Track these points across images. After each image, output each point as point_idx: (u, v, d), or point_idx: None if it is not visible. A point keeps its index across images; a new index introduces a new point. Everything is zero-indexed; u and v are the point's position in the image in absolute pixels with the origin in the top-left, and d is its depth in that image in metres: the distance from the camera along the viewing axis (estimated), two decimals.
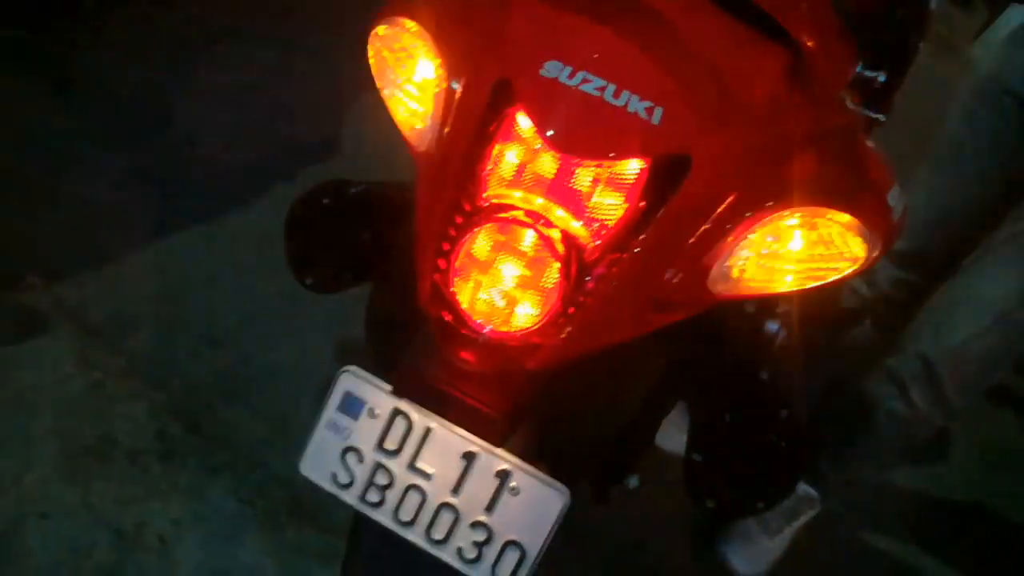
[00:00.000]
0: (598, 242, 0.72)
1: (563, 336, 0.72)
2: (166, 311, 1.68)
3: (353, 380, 0.86)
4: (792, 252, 0.81)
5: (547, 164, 0.72)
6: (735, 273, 0.80)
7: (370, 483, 0.86)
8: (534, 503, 0.82)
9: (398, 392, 0.81)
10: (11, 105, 1.94)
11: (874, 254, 0.82)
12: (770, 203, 0.78)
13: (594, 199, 0.71)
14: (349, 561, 0.92)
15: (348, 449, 0.86)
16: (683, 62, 0.73)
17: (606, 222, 0.72)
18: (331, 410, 0.87)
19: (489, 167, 0.74)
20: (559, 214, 0.72)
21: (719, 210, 0.76)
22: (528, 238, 0.71)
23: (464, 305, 0.72)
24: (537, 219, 0.71)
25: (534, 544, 0.82)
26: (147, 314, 1.66)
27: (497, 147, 0.73)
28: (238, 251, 1.82)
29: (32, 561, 1.22)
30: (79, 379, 1.48)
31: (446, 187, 0.74)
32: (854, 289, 1.98)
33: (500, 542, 0.83)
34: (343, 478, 0.87)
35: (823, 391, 1.91)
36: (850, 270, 0.83)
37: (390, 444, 0.85)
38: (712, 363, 0.94)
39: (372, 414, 0.86)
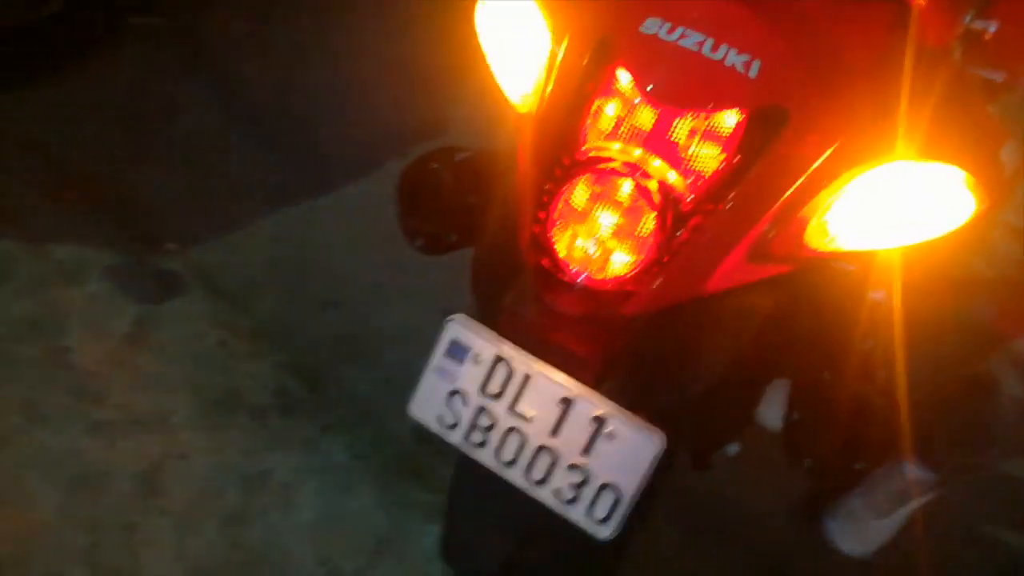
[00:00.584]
0: (694, 193, 0.74)
1: (657, 284, 0.75)
2: (286, 277, 1.79)
3: (459, 328, 0.91)
4: (893, 207, 0.81)
5: (645, 117, 0.75)
6: (834, 228, 0.81)
7: (473, 425, 0.91)
8: (629, 448, 0.85)
9: (502, 336, 0.85)
10: (148, 86, 2.09)
11: (981, 208, 0.81)
12: (872, 156, 0.78)
13: (691, 151, 0.74)
14: (453, 502, 0.98)
15: (453, 392, 0.92)
16: (781, 15, 0.74)
17: (703, 173, 0.75)
18: (439, 356, 0.92)
19: (588, 122, 0.77)
20: (656, 165, 0.75)
21: (817, 163, 0.77)
22: (625, 188, 0.74)
23: (562, 253, 0.76)
24: (634, 170, 0.74)
25: (629, 487, 0.86)
26: (270, 279, 1.77)
27: (596, 102, 0.77)
28: (355, 220, 1.91)
29: (168, 501, 1.34)
30: (210, 336, 1.60)
31: (547, 143, 0.78)
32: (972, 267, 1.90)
33: (596, 484, 0.87)
34: (448, 419, 0.92)
35: (937, 369, 1.86)
36: (955, 226, 0.82)
37: (492, 388, 0.90)
38: (813, 323, 0.94)
39: (476, 360, 0.91)
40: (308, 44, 2.41)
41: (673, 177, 0.75)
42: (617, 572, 1.52)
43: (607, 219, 0.74)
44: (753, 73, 0.72)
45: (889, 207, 0.81)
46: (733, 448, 1.32)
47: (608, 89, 0.76)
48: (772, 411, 1.17)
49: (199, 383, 1.52)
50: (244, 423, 1.50)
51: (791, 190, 0.77)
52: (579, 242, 0.76)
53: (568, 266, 0.76)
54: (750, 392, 1.10)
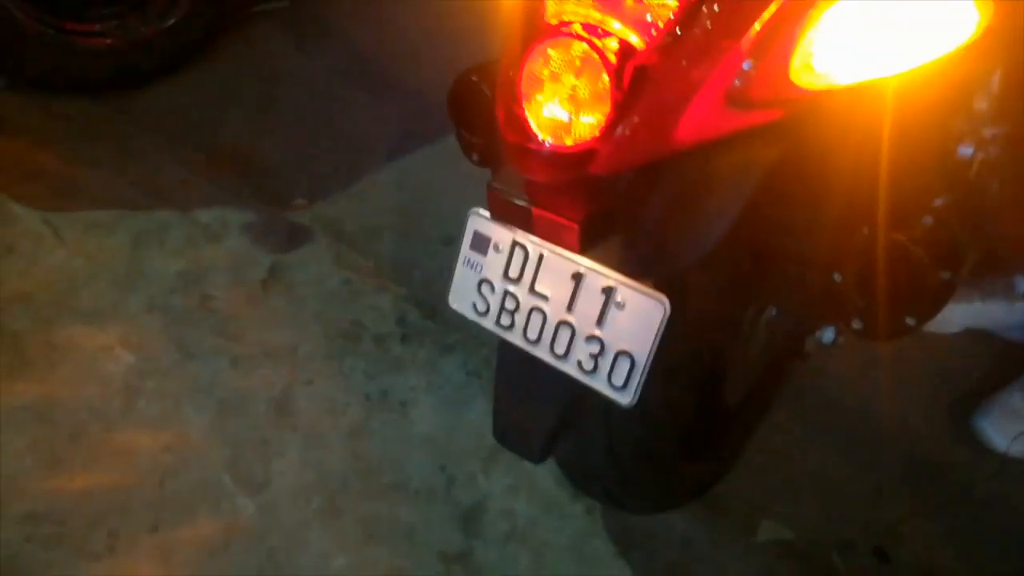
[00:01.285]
0: (652, 43, 0.75)
1: (620, 139, 0.76)
2: (404, 220, 1.92)
3: (480, 220, 0.97)
4: (886, 28, 0.77)
5: None
6: (822, 60, 0.78)
7: (502, 308, 0.97)
8: (638, 315, 0.88)
9: (493, 217, 0.90)
10: (276, 62, 2.29)
11: (986, 21, 0.75)
12: None
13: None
14: (498, 386, 1.04)
15: (482, 281, 0.98)
16: None
17: (659, 21, 0.75)
18: (465, 249, 0.99)
19: None
20: (615, 26, 0.76)
21: None
22: (578, 50, 0.76)
23: (533, 124, 0.79)
24: (591, 31, 0.76)
25: (642, 353, 0.88)
26: (389, 223, 1.90)
27: None
28: (461, 166, 2.00)
29: (297, 419, 1.50)
30: (335, 277, 1.76)
31: (515, 17, 0.82)
32: None
33: (612, 353, 0.90)
34: (481, 307, 0.99)
35: None
36: (958, 43, 0.77)
37: (513, 272, 0.95)
38: (829, 174, 0.91)
39: (497, 248, 0.96)
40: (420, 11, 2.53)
41: (632, 34, 0.75)
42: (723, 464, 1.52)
43: (566, 82, 0.77)
44: None
45: (881, 29, 0.77)
46: (828, 335, 1.28)
47: None
48: None
49: (326, 318, 1.68)
50: (367, 350, 1.64)
51: (761, 20, 0.75)
52: (546, 110, 0.78)
53: (537, 135, 0.79)
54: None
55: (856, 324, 0.96)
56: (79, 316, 1.56)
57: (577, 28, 0.77)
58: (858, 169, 0.88)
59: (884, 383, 1.81)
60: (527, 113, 0.79)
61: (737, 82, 0.76)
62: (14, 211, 1.69)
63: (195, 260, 1.72)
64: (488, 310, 0.98)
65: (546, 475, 1.47)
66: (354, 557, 1.33)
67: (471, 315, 1.00)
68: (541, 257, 0.93)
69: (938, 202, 0.98)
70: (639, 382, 0.89)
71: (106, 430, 1.41)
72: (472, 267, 0.98)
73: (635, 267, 0.87)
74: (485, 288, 0.98)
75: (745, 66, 0.76)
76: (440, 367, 1.64)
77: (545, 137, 0.78)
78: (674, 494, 1.38)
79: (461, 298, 1.00)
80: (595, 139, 0.76)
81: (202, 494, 1.36)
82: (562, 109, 0.77)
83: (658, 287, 0.87)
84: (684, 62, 0.75)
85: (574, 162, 0.77)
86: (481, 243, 0.98)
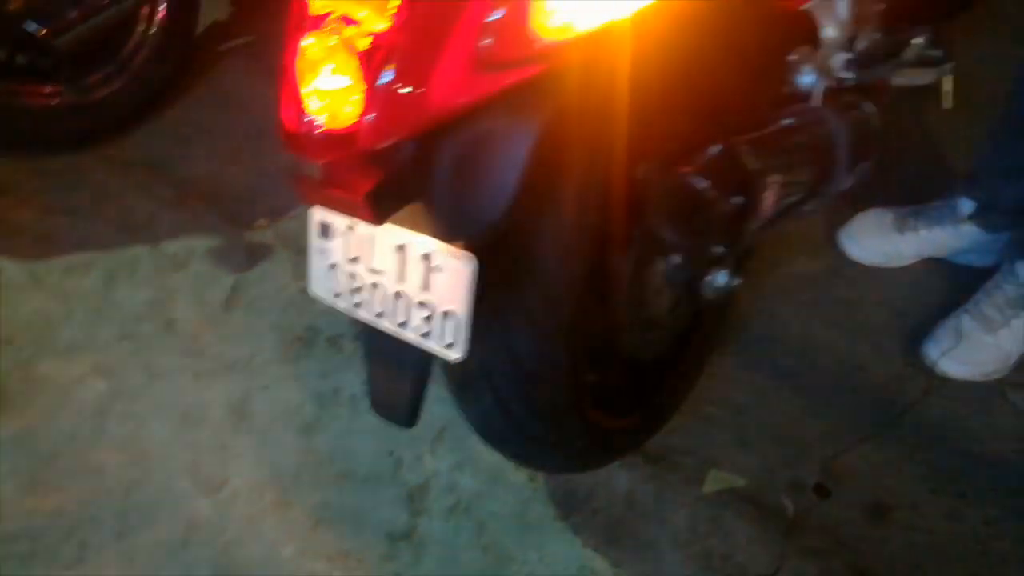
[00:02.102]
0: (395, 24, 0.81)
1: (383, 117, 0.82)
2: None
3: (320, 209, 1.05)
4: None
5: None
6: (558, 9, 0.82)
7: (349, 289, 1.05)
8: (453, 275, 0.94)
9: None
10: (242, 96, 2.42)
11: None
12: None
13: None
14: (365, 363, 1.11)
15: (331, 266, 1.06)
16: None
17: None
18: (313, 238, 1.07)
19: None
20: (362, 15, 0.83)
21: None
22: (332, 40, 0.83)
23: (305, 109, 0.86)
24: (344, 21, 0.83)
25: (462, 310, 0.95)
26: None
27: None
28: None
29: (254, 423, 1.60)
30: (293, 287, 1.86)
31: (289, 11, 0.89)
32: None
33: (439, 314, 0.97)
34: (335, 290, 1.07)
35: None
36: None
37: (352, 253, 1.03)
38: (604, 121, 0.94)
39: (337, 233, 1.04)
40: None
41: (379, 24, 0.82)
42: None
43: (328, 71, 0.84)
44: None
45: None
46: (720, 278, 1.32)
47: None
48: None
49: (284, 326, 1.78)
50: (321, 352, 1.73)
51: None
52: (313, 97, 0.86)
53: (311, 122, 0.86)
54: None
55: (674, 260, 1.00)
56: (56, 352, 1.69)
57: (332, 20, 0.84)
58: (634, 111, 0.92)
59: (837, 322, 1.82)
60: (298, 100, 0.87)
61: (482, 45, 0.82)
62: None
63: (162, 288, 1.84)
64: (340, 293, 1.06)
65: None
66: (302, 543, 1.42)
67: (329, 300, 1.07)
68: (371, 235, 1.00)
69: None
70: (465, 337, 0.95)
71: (78, 452, 1.53)
72: (321, 254, 1.06)
73: (441, 232, 0.93)
74: (334, 272, 1.05)
75: (485, 29, 0.82)
76: None
77: (316, 120, 0.86)
78: (598, 450, 1.43)
79: (318, 285, 1.08)
80: (357, 120, 0.83)
81: (164, 500, 1.47)
82: (325, 94, 0.85)
83: (470, 246, 0.93)
84: (422, 36, 0.81)
85: (341, 142, 0.84)
86: (325, 230, 1.05)
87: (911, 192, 1.91)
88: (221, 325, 1.78)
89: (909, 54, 1.37)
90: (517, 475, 1.54)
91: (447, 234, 0.93)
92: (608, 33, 0.85)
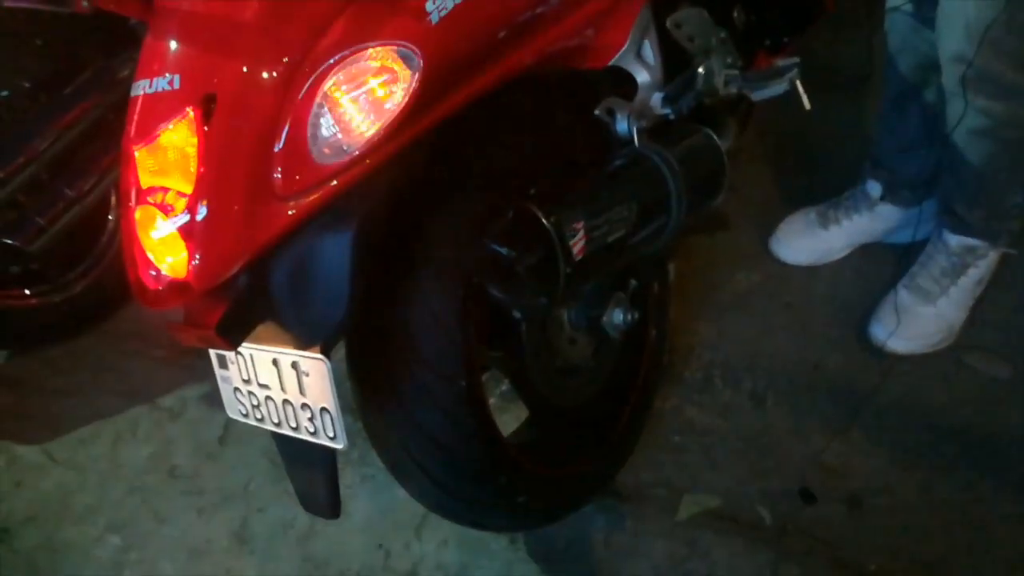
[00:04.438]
0: (195, 189, 0.95)
1: (206, 265, 0.96)
2: None
3: None
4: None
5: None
6: (337, 130, 0.96)
7: (252, 406, 1.17)
8: (317, 377, 1.06)
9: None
10: None
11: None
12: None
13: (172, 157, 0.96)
14: (285, 468, 1.22)
15: (235, 390, 1.18)
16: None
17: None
18: (216, 368, 1.20)
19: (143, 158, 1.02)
20: (174, 182, 0.97)
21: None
22: (151, 211, 0.97)
23: (148, 269, 1.00)
24: (160, 191, 0.97)
25: (332, 405, 1.05)
26: None
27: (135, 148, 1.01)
28: None
29: (254, 544, 1.72)
30: None
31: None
32: None
33: (318, 412, 1.08)
34: (242, 410, 1.19)
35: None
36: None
37: (245, 375, 1.15)
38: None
39: (232, 360, 1.17)
40: None
41: (184, 184, 0.96)
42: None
43: (151, 233, 0.98)
44: (176, 86, 0.93)
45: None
46: (617, 316, 1.40)
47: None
48: None
49: (272, 450, 1.89)
50: None
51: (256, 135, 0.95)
52: (151, 258, 1.00)
53: (154, 277, 1.00)
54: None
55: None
56: (74, 519, 1.85)
57: (155, 188, 0.98)
58: (439, 194, 1.04)
59: (786, 327, 1.86)
60: (139, 260, 1.01)
61: (276, 180, 0.96)
62: (17, 452, 2.03)
63: (162, 440, 2.00)
64: (247, 412, 1.18)
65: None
66: None
67: (241, 419, 1.20)
68: (251, 355, 1.12)
69: None
70: (341, 427, 1.06)
71: None
72: (224, 381, 1.19)
73: (298, 342, 1.05)
74: (237, 394, 1.18)
75: (275, 168, 0.95)
76: (371, 459, 1.81)
77: (157, 275, 1.00)
78: (554, 501, 1.49)
79: (230, 408, 1.21)
80: (188, 268, 0.97)
81: None
82: (160, 252, 0.99)
83: (324, 349, 1.05)
84: (221, 187, 0.95)
85: (181, 289, 0.97)
86: (221, 361, 1.18)
87: (833, 189, 1.96)
88: (218, 460, 1.92)
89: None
90: (498, 541, 1.61)
91: (303, 343, 1.05)
92: (393, 137, 0.98)
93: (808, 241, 1.88)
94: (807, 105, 1.51)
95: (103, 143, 2.06)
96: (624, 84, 1.28)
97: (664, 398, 1.78)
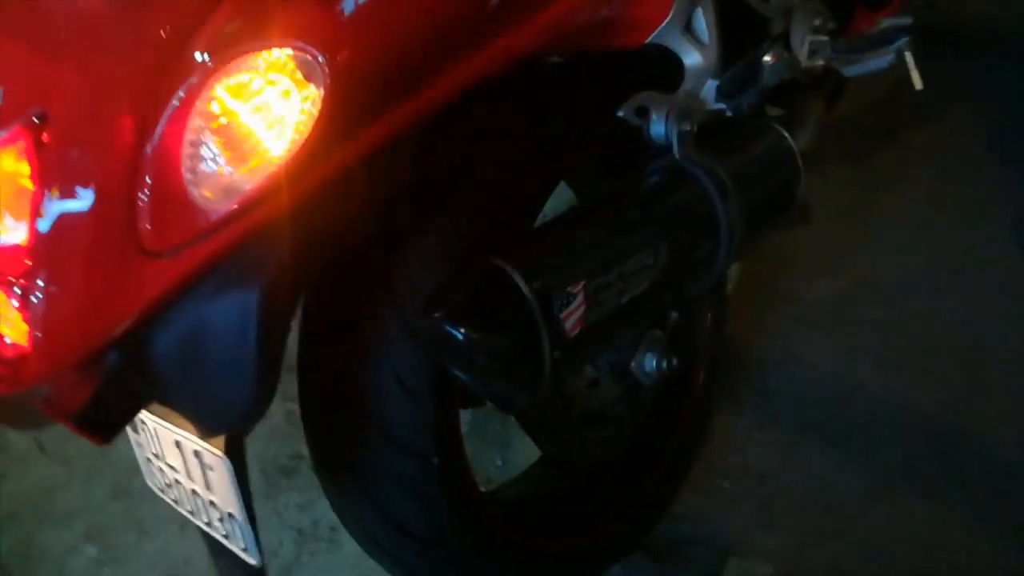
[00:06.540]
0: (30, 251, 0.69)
1: (55, 346, 0.70)
2: None
3: None
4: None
5: None
6: (222, 163, 0.68)
7: (165, 484, 0.93)
8: (220, 474, 0.81)
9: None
10: None
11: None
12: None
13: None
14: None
15: (146, 459, 0.95)
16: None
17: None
18: (129, 431, 0.96)
19: None
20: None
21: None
22: None
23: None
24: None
25: (239, 512, 0.81)
26: None
27: None
28: None
29: None
30: (279, 411, 1.78)
31: None
32: None
33: (225, 515, 0.83)
34: (159, 483, 0.96)
35: None
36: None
37: (153, 449, 0.92)
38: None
39: (139, 427, 0.93)
40: None
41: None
42: None
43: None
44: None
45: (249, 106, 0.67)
46: (649, 362, 1.11)
47: None
48: None
49: (267, 456, 1.70)
50: (301, 483, 1.64)
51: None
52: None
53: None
54: None
55: None
56: (54, 521, 1.70)
57: None
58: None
59: (872, 351, 1.52)
60: None
61: (144, 232, 0.69)
62: (8, 438, 1.88)
63: None
64: (162, 487, 0.95)
65: None
66: None
67: (160, 494, 0.97)
68: (156, 430, 0.88)
69: None
70: (254, 540, 0.81)
71: None
72: (138, 447, 0.96)
73: (198, 428, 0.80)
74: (150, 465, 0.95)
75: (143, 217, 0.68)
76: None
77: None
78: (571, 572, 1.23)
79: (148, 478, 0.99)
80: (29, 348, 0.71)
81: None
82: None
83: (230, 444, 0.79)
84: (55, 244, 0.68)
85: (34, 371, 0.72)
86: (132, 424, 0.95)
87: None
88: None
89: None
90: None
91: (204, 431, 0.79)
92: (307, 170, 0.69)
93: None
94: (918, 84, 1.15)
95: None
96: (666, 69, 0.95)
97: (714, 430, 1.48)
